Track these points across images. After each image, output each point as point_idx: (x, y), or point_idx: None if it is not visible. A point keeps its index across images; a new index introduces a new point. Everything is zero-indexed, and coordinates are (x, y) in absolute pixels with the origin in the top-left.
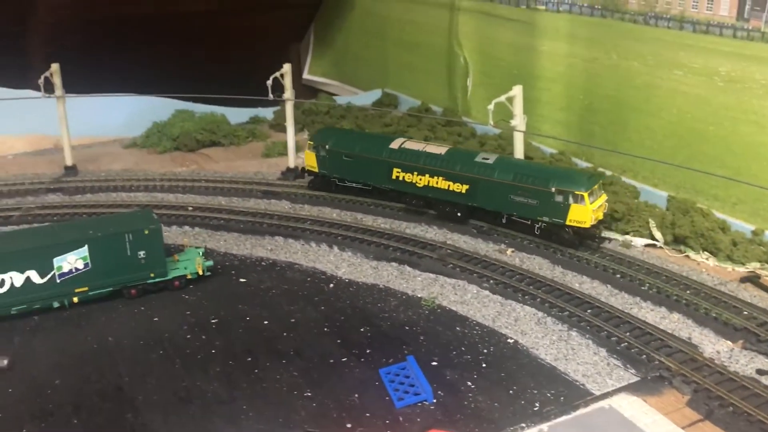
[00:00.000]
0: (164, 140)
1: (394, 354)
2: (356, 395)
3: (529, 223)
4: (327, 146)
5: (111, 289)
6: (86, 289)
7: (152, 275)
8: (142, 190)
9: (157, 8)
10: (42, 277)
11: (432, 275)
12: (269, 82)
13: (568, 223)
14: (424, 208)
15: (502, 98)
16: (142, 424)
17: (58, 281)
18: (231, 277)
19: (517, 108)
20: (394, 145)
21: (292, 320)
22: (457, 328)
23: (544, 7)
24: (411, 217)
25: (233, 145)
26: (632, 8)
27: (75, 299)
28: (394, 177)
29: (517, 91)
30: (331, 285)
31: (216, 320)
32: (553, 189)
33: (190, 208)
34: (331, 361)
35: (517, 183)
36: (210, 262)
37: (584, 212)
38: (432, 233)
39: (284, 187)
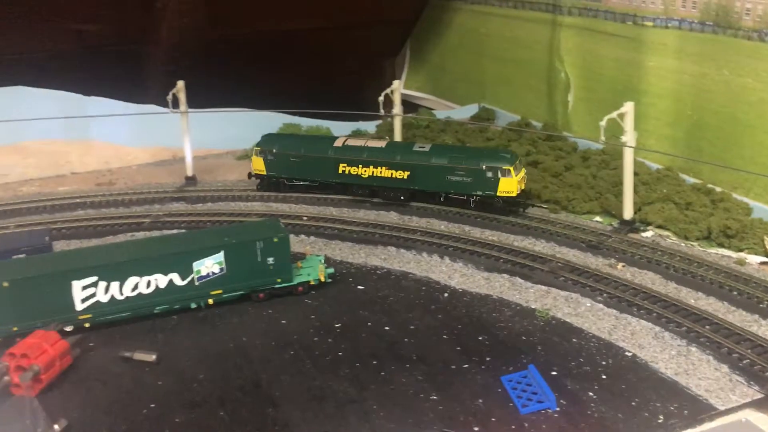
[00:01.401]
0: None
1: (513, 362)
2: (480, 400)
3: (465, 198)
4: (274, 150)
5: (242, 292)
6: (221, 291)
7: (279, 280)
8: (258, 200)
9: (264, 28)
10: (183, 279)
11: (544, 287)
12: (381, 98)
13: (498, 194)
14: (370, 197)
15: (614, 114)
16: (282, 418)
17: (197, 284)
18: (349, 285)
19: (628, 124)
20: (338, 143)
21: (412, 327)
22: (574, 340)
23: (651, 23)
24: (519, 230)
25: None
26: (747, 25)
27: (210, 301)
28: (340, 171)
29: (628, 107)
30: (446, 294)
31: (340, 325)
32: (484, 167)
33: (305, 218)
34: (453, 366)
35: (452, 165)
36: (331, 270)
37: (511, 184)
38: (540, 246)
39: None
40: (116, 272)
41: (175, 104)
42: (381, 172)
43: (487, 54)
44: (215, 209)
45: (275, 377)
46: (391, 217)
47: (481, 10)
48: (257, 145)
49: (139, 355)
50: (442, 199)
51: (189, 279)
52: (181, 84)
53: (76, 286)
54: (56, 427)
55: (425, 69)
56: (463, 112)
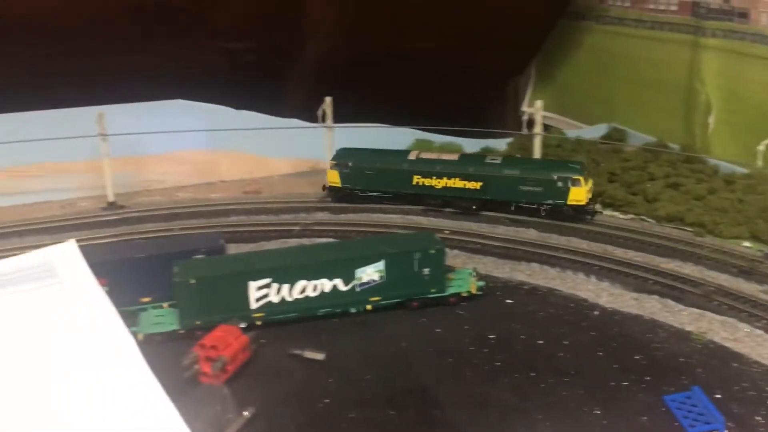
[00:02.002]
0: None
1: (674, 383)
2: (645, 418)
3: (536, 206)
4: (349, 164)
5: (398, 300)
6: (379, 298)
7: (433, 291)
8: (398, 213)
9: (401, 47)
10: (346, 285)
11: (697, 310)
12: (524, 117)
13: (569, 202)
14: (442, 207)
15: None
16: (449, 421)
17: (358, 290)
18: (497, 298)
19: None
20: (412, 156)
21: (565, 342)
22: (735, 365)
23: None
24: (664, 252)
25: None
26: None
27: (368, 307)
28: (414, 183)
29: None
30: (596, 312)
31: (494, 336)
32: (555, 177)
33: (447, 232)
34: (612, 383)
35: (524, 176)
36: (482, 283)
37: (581, 193)
38: (688, 269)
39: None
40: (288, 275)
41: (322, 119)
42: (454, 183)
43: (618, 74)
44: (356, 220)
45: (437, 382)
46: (530, 233)
47: (615, 30)
48: (333, 159)
49: (309, 354)
50: (513, 209)
51: (351, 285)
52: (328, 100)
53: (252, 286)
54: (245, 413)
55: (551, 88)
56: (592, 132)
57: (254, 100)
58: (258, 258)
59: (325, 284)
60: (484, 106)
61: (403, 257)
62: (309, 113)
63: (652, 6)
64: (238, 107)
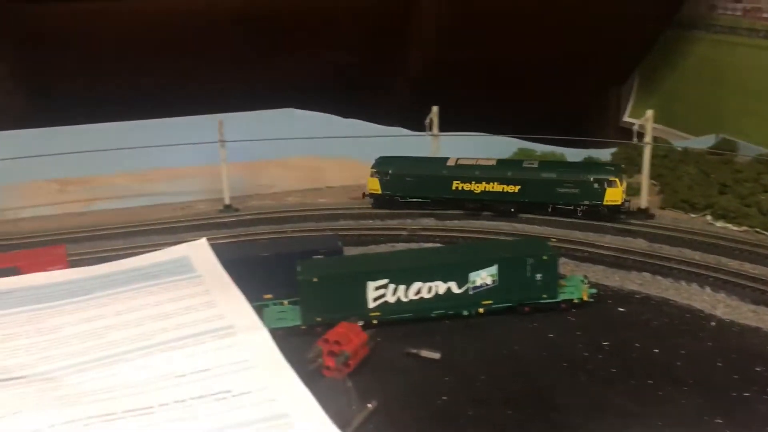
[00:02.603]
0: None
1: None
2: None
3: (572, 208)
4: (390, 171)
5: (510, 304)
6: (491, 302)
7: (544, 296)
8: (502, 220)
9: (503, 56)
10: (459, 288)
11: None
12: (635, 128)
13: (605, 203)
14: (480, 210)
15: None
16: (568, 423)
17: (471, 293)
18: (608, 306)
19: None
20: (451, 162)
21: (682, 351)
22: None
23: None
24: None
25: None
26: None
27: (480, 310)
28: (454, 188)
29: None
30: (713, 323)
31: (607, 343)
32: (592, 179)
33: (554, 240)
34: (734, 394)
35: (561, 178)
36: (594, 290)
37: (617, 193)
38: None
39: (638, 225)
40: (404, 277)
41: (429, 127)
42: (493, 187)
43: (728, 84)
44: (461, 226)
45: (553, 385)
46: (639, 243)
47: (725, 39)
48: (373, 167)
49: (425, 353)
50: (550, 210)
51: (465, 288)
52: (435, 109)
53: (371, 286)
54: (369, 405)
55: (654, 98)
56: (700, 143)
57: (360, 109)
58: (375, 259)
59: (440, 286)
60: (585, 115)
61: (517, 262)
62: (412, 122)
63: (766, 15)
64: (345, 116)
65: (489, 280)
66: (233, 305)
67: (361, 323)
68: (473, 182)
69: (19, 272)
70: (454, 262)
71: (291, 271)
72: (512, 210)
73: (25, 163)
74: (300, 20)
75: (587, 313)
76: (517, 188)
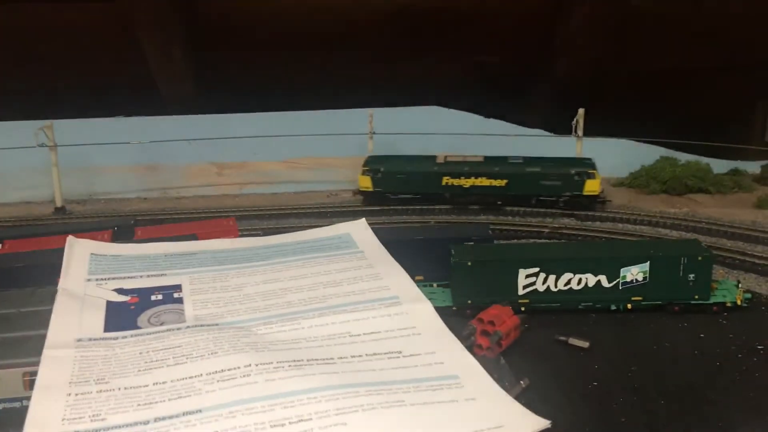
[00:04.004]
0: (653, 183)
1: None
2: None
3: (554, 199)
4: (381, 169)
5: (659, 302)
6: (641, 298)
7: (696, 297)
8: (646, 224)
9: (655, 66)
10: (609, 282)
11: None
12: None
13: (584, 193)
14: (468, 204)
15: None
16: (722, 418)
17: (620, 288)
18: (763, 312)
19: None
20: (440, 160)
21: None
22: None
23: None
24: None
25: (719, 193)
26: None
27: (629, 306)
28: (444, 184)
29: None
30: None
31: (762, 348)
32: (573, 172)
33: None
34: None
35: (545, 171)
36: (749, 295)
37: (595, 184)
38: None
39: None
40: (555, 267)
41: (575, 130)
42: (481, 182)
43: None
44: (603, 228)
45: (706, 382)
46: None
47: None
48: (364, 165)
49: (574, 341)
50: (534, 202)
51: (614, 282)
52: (581, 112)
53: (522, 273)
54: (522, 383)
55: None
56: None
57: (501, 109)
58: (527, 249)
59: (590, 279)
60: (730, 127)
61: (670, 261)
62: (552, 124)
63: None
64: (486, 115)
65: (640, 277)
66: (396, 279)
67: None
68: (462, 177)
69: (197, 239)
70: (606, 257)
71: (441, 255)
72: (499, 203)
73: (188, 146)
74: (446, 19)
75: (740, 317)
76: (504, 182)
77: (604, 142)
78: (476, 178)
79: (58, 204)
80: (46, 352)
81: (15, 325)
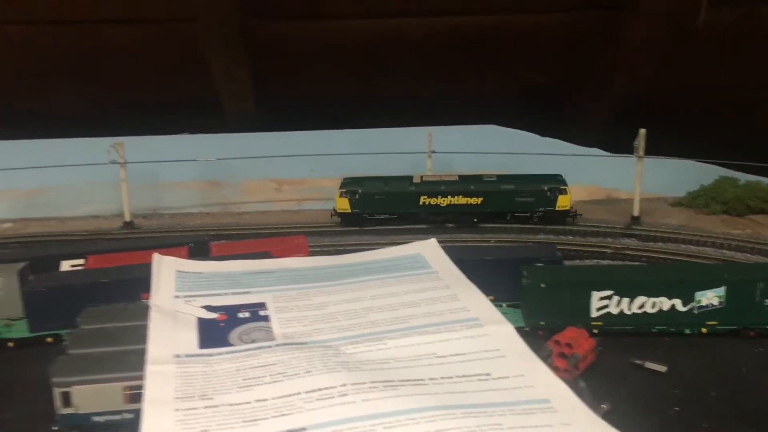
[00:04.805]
0: (712, 203)
1: None
2: None
3: (528, 215)
4: (359, 191)
5: (734, 327)
6: (716, 323)
7: None
8: (710, 246)
9: (714, 84)
10: (684, 306)
11: None
12: None
13: (557, 209)
14: (446, 222)
15: None
16: None
17: (696, 312)
18: None
19: None
20: (416, 179)
21: None
22: None
23: None
24: None
25: None
26: None
27: (703, 330)
28: (421, 203)
29: None
30: None
31: None
32: (546, 188)
33: None
34: None
35: (518, 188)
36: None
37: (566, 200)
38: None
39: None
40: (629, 290)
41: (636, 150)
42: (458, 200)
43: None
44: (665, 249)
45: None
46: None
47: None
48: (341, 187)
49: (651, 365)
50: (508, 218)
51: (689, 307)
52: (642, 132)
53: (595, 296)
54: (603, 406)
55: None
56: None
57: (557, 128)
58: (600, 271)
59: (664, 302)
60: None
61: (746, 285)
62: (608, 143)
63: None
64: (542, 134)
65: (715, 301)
66: (474, 300)
67: None
68: (439, 196)
69: (271, 256)
70: (681, 280)
71: (509, 275)
72: (475, 220)
73: (249, 162)
74: (502, 38)
75: None
76: (479, 200)
77: (658, 160)
78: (453, 196)
79: (127, 218)
80: (150, 368)
81: (113, 340)
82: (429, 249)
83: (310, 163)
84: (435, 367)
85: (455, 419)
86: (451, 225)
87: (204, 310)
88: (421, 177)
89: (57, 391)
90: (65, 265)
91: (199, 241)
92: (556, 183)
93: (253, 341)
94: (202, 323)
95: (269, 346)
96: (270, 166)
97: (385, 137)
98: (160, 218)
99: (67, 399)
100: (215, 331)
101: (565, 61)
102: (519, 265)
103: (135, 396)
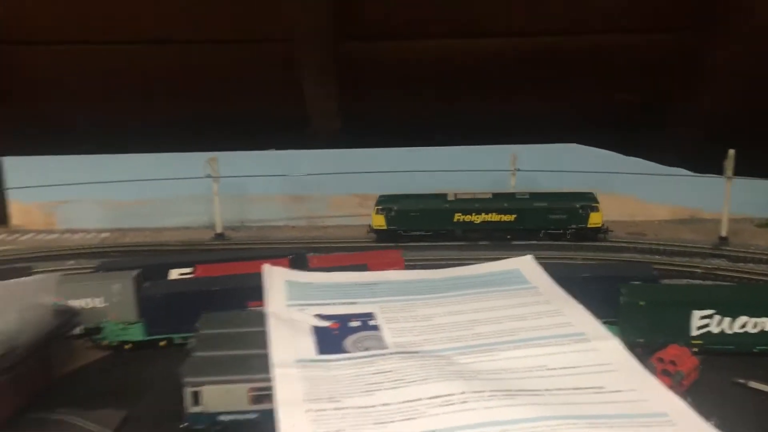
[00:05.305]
0: None
1: None
2: None
3: (561, 231)
4: (395, 208)
5: None
6: None
7: None
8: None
9: None
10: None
11: None
12: None
13: (589, 225)
14: (479, 239)
15: None
16: None
17: None
18: None
19: None
20: (451, 197)
21: None
22: None
23: None
24: None
25: None
26: None
27: None
28: (455, 220)
29: None
30: None
31: None
32: (578, 205)
33: None
34: None
35: (551, 206)
36: None
37: (598, 216)
38: None
39: None
40: (731, 309)
41: (725, 170)
42: (491, 217)
43: None
44: (757, 270)
45: None
46: None
47: None
48: (377, 204)
49: (756, 384)
50: (542, 235)
51: None
52: (732, 153)
53: (696, 315)
54: (712, 422)
55: None
56: None
57: (641, 148)
58: (699, 290)
59: (766, 323)
60: None
61: None
62: (693, 163)
63: None
64: (626, 153)
65: None
66: (578, 315)
67: None
68: (473, 213)
69: (368, 269)
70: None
71: (606, 293)
72: (508, 237)
73: (332, 178)
74: (585, 57)
75: None
76: (513, 217)
77: (743, 180)
78: (486, 213)
79: (218, 230)
80: (277, 371)
81: (234, 344)
82: (526, 265)
83: (392, 179)
84: (548, 379)
85: (578, 428)
86: (485, 242)
87: (317, 318)
88: (455, 195)
89: (188, 391)
90: (173, 274)
91: (297, 253)
92: (588, 201)
93: (366, 349)
94: (317, 331)
95: (383, 354)
96: (353, 182)
97: (466, 154)
98: (248, 230)
99: (197, 398)
100: (330, 339)
101: (651, 81)
102: (615, 283)
103: (258, 398)
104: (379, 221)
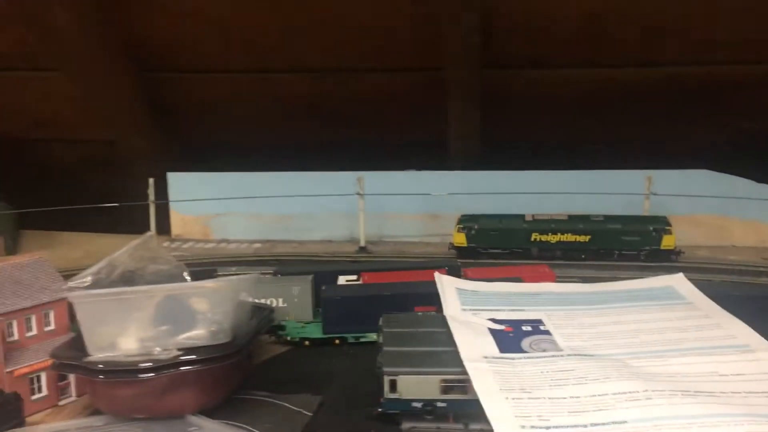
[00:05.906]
0: None
1: None
2: None
3: (636, 253)
4: (475, 227)
5: None
6: None
7: None
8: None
9: None
10: None
11: None
12: None
13: (661, 248)
14: (554, 258)
15: None
16: None
17: None
18: None
19: None
20: (528, 217)
21: None
22: None
23: None
24: None
25: None
26: None
27: None
28: (532, 239)
29: None
30: None
31: None
32: (651, 228)
33: None
34: None
35: (625, 228)
36: None
37: (671, 239)
38: None
39: None
40: None
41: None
42: (567, 237)
43: None
44: None
45: None
46: None
47: None
48: (459, 223)
49: None
50: (616, 256)
51: None
52: None
53: None
54: None
55: None
56: None
57: (750, 167)
58: None
59: None
60: None
61: None
62: None
63: None
64: (759, 180)
65: None
66: (738, 328)
67: None
68: (549, 233)
69: (522, 281)
70: None
71: (754, 311)
72: (583, 257)
73: (468, 198)
74: (715, 87)
75: None
76: (587, 237)
77: None
78: (562, 234)
79: (362, 244)
80: (469, 365)
81: (418, 341)
82: (679, 282)
83: (524, 200)
84: (721, 384)
85: (761, 426)
86: (560, 261)
87: (492, 322)
88: (533, 216)
89: (386, 379)
90: (341, 280)
91: (452, 266)
92: (661, 224)
93: (544, 350)
94: (494, 332)
95: (560, 355)
96: (487, 202)
97: (599, 179)
98: (386, 245)
99: (393, 386)
100: (507, 340)
101: None
102: (763, 302)
103: (447, 388)
104: (460, 239)
